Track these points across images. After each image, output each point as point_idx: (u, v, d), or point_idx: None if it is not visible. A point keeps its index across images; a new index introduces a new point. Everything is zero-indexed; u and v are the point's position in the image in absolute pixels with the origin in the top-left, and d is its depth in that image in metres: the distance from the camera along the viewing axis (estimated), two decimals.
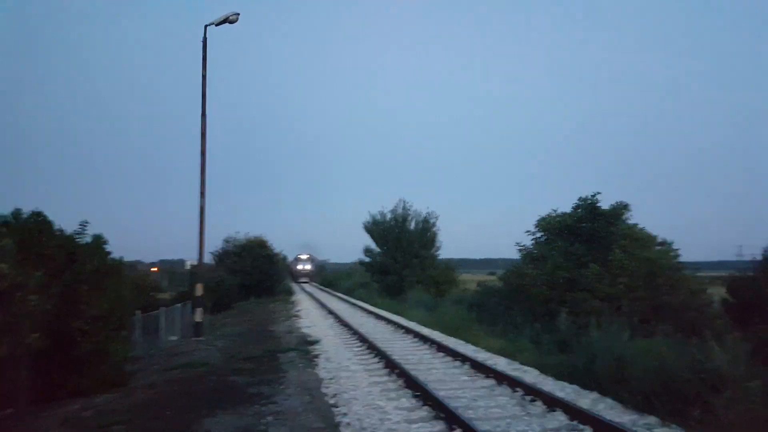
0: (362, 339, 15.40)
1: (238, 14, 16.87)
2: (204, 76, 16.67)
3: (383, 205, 37.30)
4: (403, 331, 17.39)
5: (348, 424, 7.33)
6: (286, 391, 8.96)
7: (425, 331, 16.74)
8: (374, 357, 12.64)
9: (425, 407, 8.09)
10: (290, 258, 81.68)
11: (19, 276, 7.83)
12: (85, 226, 10.95)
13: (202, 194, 16.78)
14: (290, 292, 48.88)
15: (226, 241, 49.17)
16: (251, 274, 44.47)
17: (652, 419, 7.30)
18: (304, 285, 66.47)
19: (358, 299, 34.93)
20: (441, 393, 8.51)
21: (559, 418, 7.50)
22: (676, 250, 15.87)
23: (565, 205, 18.17)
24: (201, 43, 16.71)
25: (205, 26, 16.75)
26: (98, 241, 11.24)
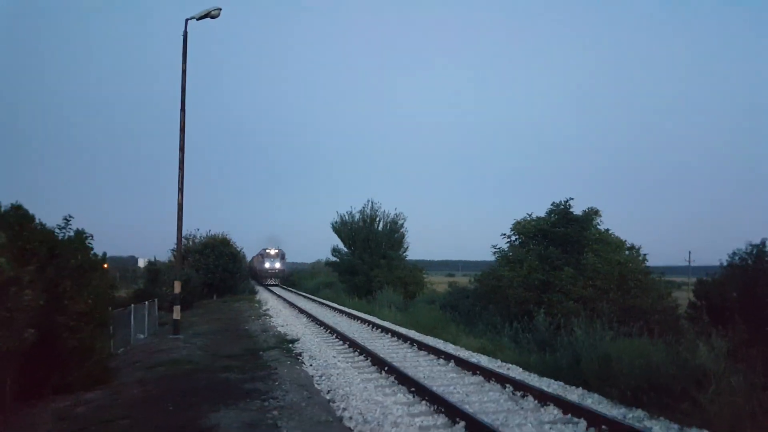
0: (341, 337, 15.51)
1: (220, 9, 16.69)
2: (184, 71, 16.41)
3: (352, 205, 37.32)
4: (379, 330, 17.56)
5: (350, 417, 7.46)
6: (282, 387, 9.00)
7: (402, 330, 16.96)
8: (359, 355, 12.78)
9: (424, 402, 8.30)
10: (253, 253, 65.23)
11: (13, 270, 7.60)
12: (68, 220, 10.67)
13: (180, 190, 16.50)
14: (253, 291, 48.32)
15: (186, 238, 48.32)
16: (214, 273, 43.83)
17: (639, 413, 7.72)
18: (272, 287, 52.90)
19: (324, 299, 34.88)
20: (435, 389, 8.74)
21: (553, 411, 7.84)
22: (645, 254, 16.68)
23: (535, 209, 18.79)
24: (182, 38, 16.46)
25: (186, 20, 16.48)
26: (81, 236, 10.96)
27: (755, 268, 12.16)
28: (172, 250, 47.76)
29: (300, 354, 13.01)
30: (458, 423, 7.09)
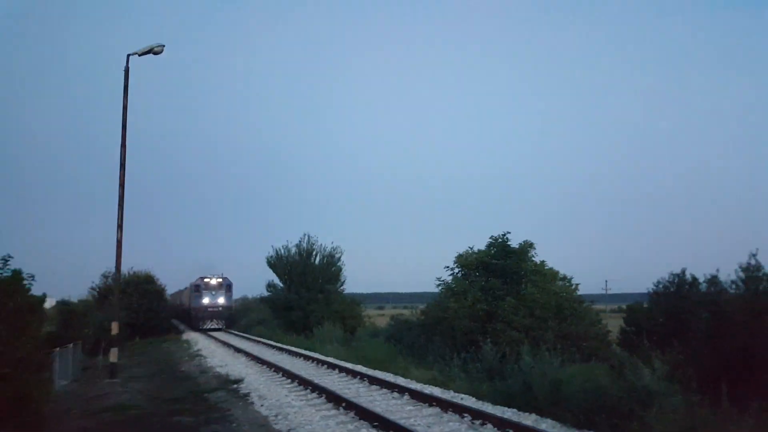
0: (288, 375, 15.28)
1: (163, 46, 16.59)
2: (125, 106, 16.15)
3: (288, 239, 36.86)
4: (325, 366, 17.42)
5: None
6: (241, 428, 8.84)
7: (348, 365, 16.89)
8: (311, 392, 12.65)
9: None
10: (181, 287, 52.43)
11: None
12: (6, 260, 10.05)
13: (120, 227, 15.93)
14: (179, 331, 46.26)
15: (105, 276, 45.92)
16: (137, 312, 41.76)
17: None
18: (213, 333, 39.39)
19: (259, 336, 33.99)
20: (400, 422, 8.85)
21: None
22: (577, 284, 17.74)
23: (455, 243, 19.55)
24: (124, 72, 16.23)
25: (128, 55, 16.41)
26: (18, 276, 10.34)
27: (677, 295, 13.27)
28: (92, 288, 45.37)
29: (248, 394, 12.72)
30: None
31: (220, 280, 42.75)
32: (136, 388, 13.75)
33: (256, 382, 14.74)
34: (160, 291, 46.27)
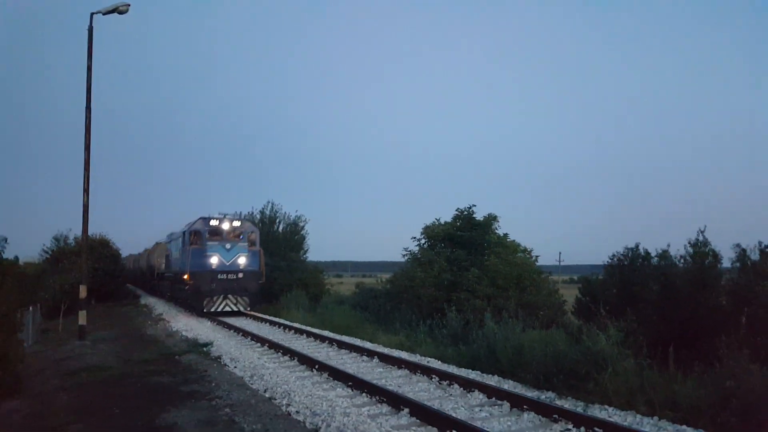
0: (257, 339, 15.59)
1: (129, 5, 16.10)
2: (89, 68, 15.64)
3: (253, 206, 36.53)
4: (293, 331, 17.80)
5: (297, 411, 7.86)
6: (221, 387, 9.14)
7: (315, 331, 17.32)
8: (283, 355, 13.04)
9: (364, 394, 8.89)
10: (157, 241, 38.08)
11: None
12: None
13: (86, 191, 15.67)
14: (136, 296, 45.68)
15: (56, 239, 44.86)
16: (93, 276, 41.06)
17: (550, 394, 8.91)
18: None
19: None
20: (373, 381, 9.36)
21: (479, 396, 8.80)
22: (536, 256, 18.56)
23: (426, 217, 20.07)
24: (87, 32, 15.71)
25: (92, 14, 15.82)
26: None
27: (631, 267, 14.13)
28: (44, 250, 44.17)
29: (219, 357, 12.97)
30: (403, 410, 7.78)
31: (238, 223, 24.13)
32: (106, 350, 13.81)
33: (226, 345, 15.00)
34: (116, 256, 45.59)
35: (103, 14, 15.94)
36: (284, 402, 8.42)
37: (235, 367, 11.58)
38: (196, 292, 22.74)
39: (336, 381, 9.96)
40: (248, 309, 23.27)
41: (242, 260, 23.22)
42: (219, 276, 22.69)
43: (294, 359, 12.33)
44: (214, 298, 22.68)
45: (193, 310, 24.39)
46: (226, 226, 23.66)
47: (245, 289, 23.10)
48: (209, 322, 21.66)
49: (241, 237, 23.74)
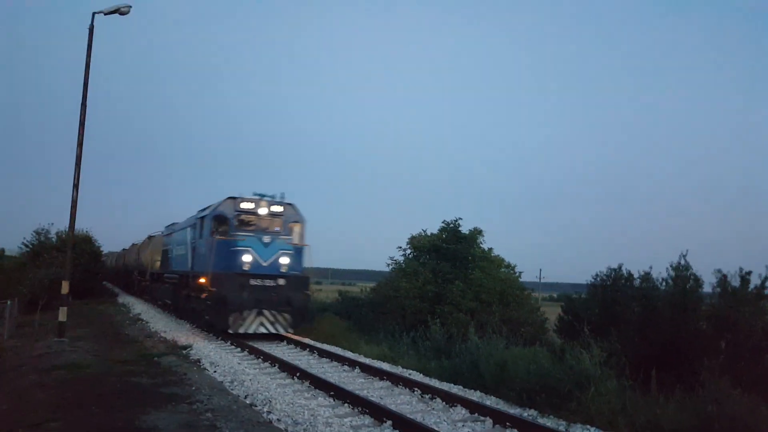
0: (238, 345, 15.40)
1: (130, 6, 16.10)
2: (88, 65, 15.71)
3: None
4: (272, 337, 17.61)
5: (278, 419, 7.78)
6: (201, 391, 9.02)
7: (295, 337, 17.16)
8: (264, 361, 12.92)
9: (346, 404, 8.83)
10: (150, 234, 33.18)
11: None
12: None
13: (76, 186, 15.52)
14: (113, 294, 45.01)
15: (37, 233, 44.07)
16: (73, 273, 40.36)
17: (533, 412, 8.92)
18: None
19: None
20: (356, 392, 9.29)
21: (461, 411, 8.79)
22: (520, 272, 18.70)
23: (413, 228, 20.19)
24: (88, 30, 15.75)
25: (93, 14, 15.97)
26: None
27: (613, 288, 14.29)
28: (24, 244, 43.36)
29: (199, 360, 12.81)
30: (386, 422, 7.74)
31: (280, 208, 17.44)
32: (85, 348, 13.57)
33: (206, 349, 14.79)
34: (97, 253, 44.93)
35: (105, 14, 15.95)
36: (265, 409, 8.33)
37: (215, 371, 11.44)
38: (219, 304, 15.91)
39: (317, 390, 9.89)
40: (290, 330, 16.89)
41: (285, 260, 16.58)
42: (252, 281, 16.00)
43: (275, 366, 12.22)
44: (244, 314, 15.99)
45: (210, 328, 18.01)
46: (263, 210, 17.10)
47: (288, 303, 16.40)
48: (187, 324, 21.36)
49: (282, 223, 17.49)
